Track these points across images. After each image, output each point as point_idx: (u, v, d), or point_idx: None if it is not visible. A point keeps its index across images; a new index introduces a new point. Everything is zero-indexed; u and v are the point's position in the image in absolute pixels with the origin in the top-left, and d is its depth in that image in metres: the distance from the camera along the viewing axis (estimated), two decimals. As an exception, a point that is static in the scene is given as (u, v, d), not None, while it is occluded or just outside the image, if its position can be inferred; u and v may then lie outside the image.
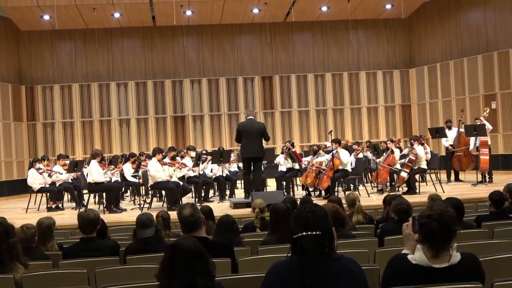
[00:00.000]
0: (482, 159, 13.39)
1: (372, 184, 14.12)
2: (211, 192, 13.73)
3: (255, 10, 18.44)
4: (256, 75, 20.09)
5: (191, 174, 12.70)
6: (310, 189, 13.07)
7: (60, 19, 17.28)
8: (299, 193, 13.30)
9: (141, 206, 12.07)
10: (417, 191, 12.12)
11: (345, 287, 2.73)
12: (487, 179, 13.67)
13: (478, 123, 13.65)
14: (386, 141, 14.14)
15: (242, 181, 12.20)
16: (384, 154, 13.19)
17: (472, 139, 13.79)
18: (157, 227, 5.10)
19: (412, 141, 12.66)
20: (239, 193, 13.28)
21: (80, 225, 5.19)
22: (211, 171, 13.56)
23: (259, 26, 20.02)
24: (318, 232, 2.74)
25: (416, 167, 12.28)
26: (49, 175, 12.93)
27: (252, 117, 11.21)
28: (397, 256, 3.10)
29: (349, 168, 12.44)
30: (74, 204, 13.05)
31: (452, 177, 14.68)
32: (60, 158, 13.86)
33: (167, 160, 12.19)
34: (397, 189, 12.86)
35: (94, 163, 11.65)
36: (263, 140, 11.19)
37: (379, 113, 20.41)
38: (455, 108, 18.49)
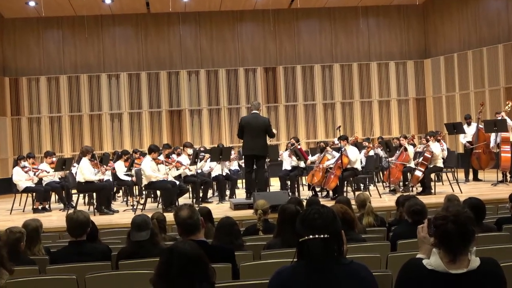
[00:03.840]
0: (503, 157, 13.38)
1: (384, 183, 14.12)
2: (210, 192, 13.73)
3: (258, -4, 18.43)
4: (258, 66, 20.09)
5: (188, 173, 12.71)
6: (317, 189, 13.08)
7: (47, 5, 17.28)
8: (305, 193, 13.30)
9: (135, 207, 12.08)
10: (433, 191, 12.12)
11: (355, 294, 2.74)
12: (508, 179, 13.66)
13: (499, 117, 13.62)
14: (399, 137, 14.13)
15: (243, 180, 12.20)
16: (397, 151, 13.19)
17: (492, 135, 13.78)
18: (153, 230, 5.11)
19: (428, 138, 12.65)
20: (240, 194, 13.29)
21: (69, 228, 5.20)
22: (209, 167, 13.55)
23: (261, 13, 20.00)
24: (326, 235, 2.75)
25: (431, 166, 12.28)
26: (35, 174, 12.95)
27: (257, 112, 11.18)
28: (411, 261, 3.10)
29: (358, 166, 12.43)
30: (62, 205, 13.06)
31: (471, 176, 14.67)
32: (47, 155, 13.86)
33: (162, 158, 12.18)
34: (411, 189, 12.85)
35: (84, 161, 11.65)
36: (267, 136, 11.19)
37: (391, 107, 20.39)
38: (474, 102, 18.47)
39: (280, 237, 5.17)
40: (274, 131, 11.44)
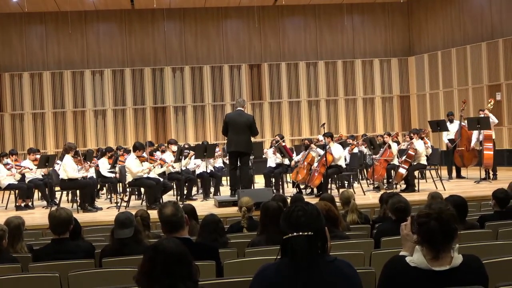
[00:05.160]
0: (486, 154, 13.46)
1: (368, 181, 14.16)
2: (194, 189, 13.71)
3: (242, -7, 18.41)
4: (243, 63, 20.07)
5: (173, 170, 12.68)
6: (301, 187, 13.10)
7: (29, 1, 17.13)
8: (290, 190, 13.32)
9: (118, 204, 12.03)
10: (416, 188, 12.17)
11: (339, 291, 2.75)
12: (491, 176, 13.75)
13: (482, 115, 13.71)
14: (383, 134, 14.18)
15: (228, 177, 12.20)
16: (381, 148, 13.23)
17: (474, 133, 13.87)
18: (137, 228, 5.09)
19: (411, 135, 12.71)
20: (225, 191, 13.27)
21: (52, 225, 5.16)
22: (195, 164, 13.52)
23: (246, 9, 19.97)
24: (310, 233, 2.75)
25: (415, 163, 12.33)
26: (18, 172, 12.85)
27: (241, 109, 11.19)
28: (394, 258, 3.12)
29: (343, 164, 12.47)
30: (45, 203, 12.98)
31: (454, 174, 14.76)
32: (30, 152, 13.77)
33: (145, 155, 12.12)
34: (394, 186, 12.91)
35: (68, 158, 11.57)
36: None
37: (375, 105, 20.46)
38: (457, 99, 18.59)
39: (264, 234, 5.18)
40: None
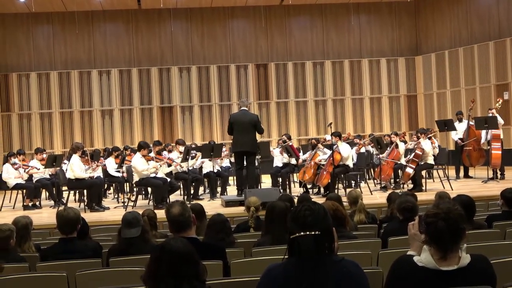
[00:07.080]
0: (494, 154, 13.42)
1: (375, 180, 14.14)
2: (201, 189, 13.71)
3: (249, -8, 18.40)
4: (250, 62, 20.06)
5: (180, 169, 12.69)
6: (308, 186, 13.08)
7: (37, 1, 17.17)
8: (296, 190, 13.31)
9: (125, 204, 12.05)
10: (424, 188, 12.14)
11: (346, 291, 2.74)
12: (499, 176, 13.71)
13: (490, 114, 13.67)
14: (390, 134, 14.15)
15: (235, 177, 12.21)
16: (388, 148, 13.20)
17: (483, 132, 13.82)
18: (144, 227, 5.09)
19: (419, 135, 12.68)
20: (232, 190, 13.28)
21: (59, 225, 5.17)
22: (200, 161, 13.51)
23: (253, 9, 19.97)
24: (317, 232, 2.75)
25: (422, 163, 12.30)
26: (25, 171, 12.90)
27: (245, 108, 11.22)
28: (402, 258, 3.11)
29: (350, 163, 12.44)
30: (52, 202, 13.02)
31: (461, 174, 14.71)
32: (37, 152, 13.81)
33: (152, 155, 12.14)
34: (402, 186, 12.88)
35: (75, 157, 11.59)
36: (256, 133, 11.20)
37: (382, 104, 20.42)
38: (465, 99, 18.53)
39: (269, 235, 5.16)
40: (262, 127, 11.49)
